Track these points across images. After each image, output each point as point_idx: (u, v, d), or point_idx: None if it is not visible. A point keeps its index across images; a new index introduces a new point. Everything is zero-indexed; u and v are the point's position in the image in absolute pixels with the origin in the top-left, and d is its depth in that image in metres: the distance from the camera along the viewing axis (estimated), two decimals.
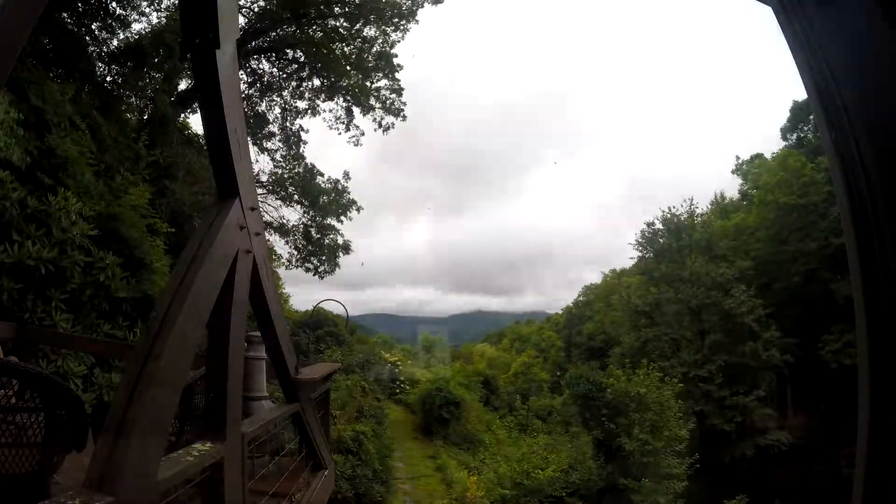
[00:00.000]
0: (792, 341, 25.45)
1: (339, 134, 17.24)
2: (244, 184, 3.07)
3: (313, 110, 17.08)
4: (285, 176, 17.39)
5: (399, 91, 16.74)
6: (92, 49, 10.80)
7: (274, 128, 17.32)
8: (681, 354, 26.89)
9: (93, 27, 10.76)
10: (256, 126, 16.51)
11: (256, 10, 14.85)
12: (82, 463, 2.05)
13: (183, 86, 13.49)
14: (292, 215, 17.64)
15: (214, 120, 2.84)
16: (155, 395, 2.05)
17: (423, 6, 15.66)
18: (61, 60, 8.99)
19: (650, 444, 17.19)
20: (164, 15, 12.48)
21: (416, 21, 15.78)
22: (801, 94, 24.42)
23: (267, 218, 16.88)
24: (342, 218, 17.58)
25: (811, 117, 27.17)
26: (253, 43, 15.33)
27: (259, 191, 15.67)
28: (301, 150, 17.48)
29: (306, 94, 16.93)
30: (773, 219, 27.26)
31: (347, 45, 15.97)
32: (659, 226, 30.52)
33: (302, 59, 16.36)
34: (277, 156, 17.49)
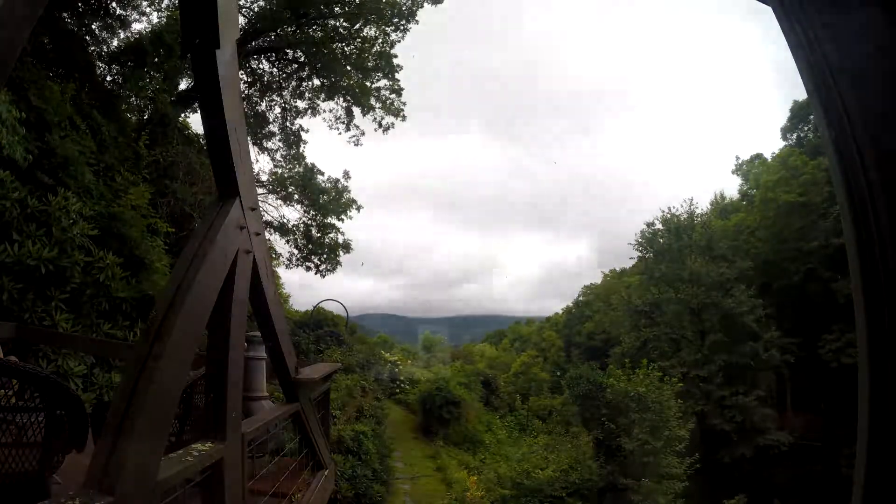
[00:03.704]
0: (792, 341, 25.43)
1: (340, 134, 17.27)
2: (244, 184, 3.07)
3: (313, 110, 17.10)
4: (285, 175, 17.40)
5: (399, 91, 16.75)
6: (92, 49, 10.81)
7: (274, 128, 17.33)
8: (681, 354, 26.88)
9: (93, 27, 10.76)
10: (256, 126, 16.51)
11: (256, 10, 14.84)
12: (82, 463, 2.05)
13: (183, 86, 13.50)
14: (292, 214, 17.66)
15: (214, 120, 2.84)
16: (155, 395, 2.05)
17: (422, 6, 15.67)
18: (61, 60, 8.98)
19: (650, 443, 17.18)
20: (164, 15, 12.49)
21: (416, 21, 15.80)
22: (801, 94, 24.45)
23: (267, 217, 16.88)
24: (342, 217, 17.61)
25: (811, 117, 27.17)
26: (253, 43, 15.33)
27: (259, 191, 15.67)
28: (301, 150, 17.51)
29: (306, 94, 16.94)
30: (774, 217, 27.24)
31: (347, 45, 15.97)
32: (659, 226, 30.52)
33: (302, 59, 16.35)
34: (277, 156, 17.52)
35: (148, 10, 12.42)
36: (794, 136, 30.09)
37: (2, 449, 2.16)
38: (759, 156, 32.40)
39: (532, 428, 23.85)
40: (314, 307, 21.87)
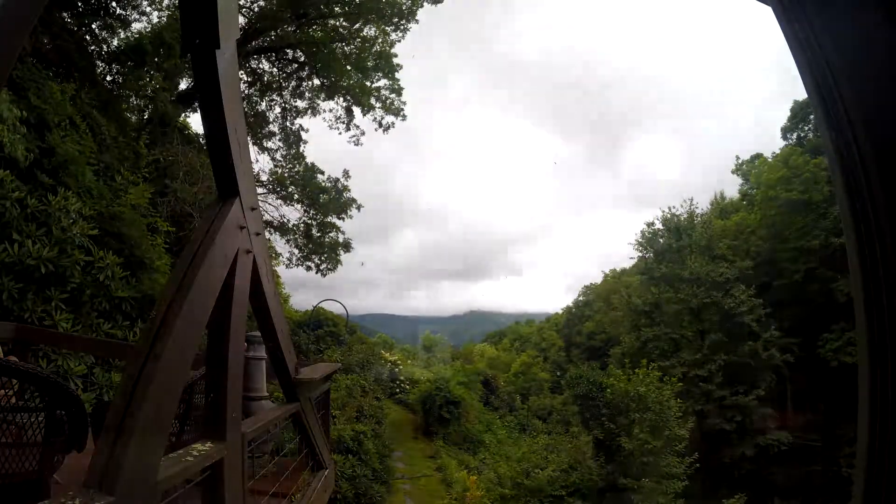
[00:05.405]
0: (792, 341, 25.43)
1: (340, 134, 17.28)
2: (244, 184, 3.06)
3: (313, 110, 17.11)
4: (285, 175, 17.40)
5: (399, 91, 16.76)
6: (92, 49, 10.81)
7: (274, 127, 17.36)
8: (681, 354, 26.86)
9: (93, 27, 10.76)
10: (256, 126, 16.52)
11: (256, 10, 14.85)
12: (82, 463, 2.05)
13: (183, 85, 13.51)
14: (292, 214, 17.68)
15: (214, 120, 2.84)
16: (155, 395, 2.05)
17: (422, 6, 15.67)
18: (61, 60, 8.98)
19: (650, 443, 17.17)
20: (164, 14, 12.49)
21: (416, 21, 15.80)
22: (801, 94, 24.43)
23: (267, 217, 16.88)
24: (342, 216, 17.62)
25: (811, 117, 27.15)
26: (253, 43, 15.33)
27: (259, 190, 15.68)
28: (301, 150, 17.52)
29: (306, 94, 16.97)
30: (774, 217, 27.23)
31: (347, 45, 15.98)
32: (659, 226, 30.50)
33: (302, 59, 16.36)
34: (277, 155, 17.55)
35: (148, 9, 12.44)
36: (795, 135, 30.10)
37: (2, 449, 2.16)
38: (759, 156, 32.40)
39: (532, 428, 23.86)
40: (314, 307, 21.87)
